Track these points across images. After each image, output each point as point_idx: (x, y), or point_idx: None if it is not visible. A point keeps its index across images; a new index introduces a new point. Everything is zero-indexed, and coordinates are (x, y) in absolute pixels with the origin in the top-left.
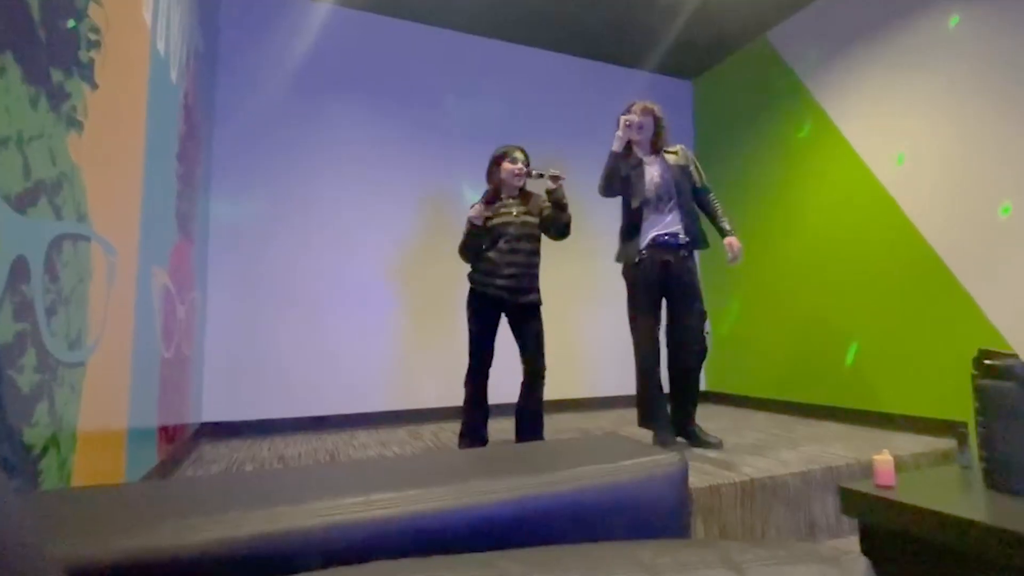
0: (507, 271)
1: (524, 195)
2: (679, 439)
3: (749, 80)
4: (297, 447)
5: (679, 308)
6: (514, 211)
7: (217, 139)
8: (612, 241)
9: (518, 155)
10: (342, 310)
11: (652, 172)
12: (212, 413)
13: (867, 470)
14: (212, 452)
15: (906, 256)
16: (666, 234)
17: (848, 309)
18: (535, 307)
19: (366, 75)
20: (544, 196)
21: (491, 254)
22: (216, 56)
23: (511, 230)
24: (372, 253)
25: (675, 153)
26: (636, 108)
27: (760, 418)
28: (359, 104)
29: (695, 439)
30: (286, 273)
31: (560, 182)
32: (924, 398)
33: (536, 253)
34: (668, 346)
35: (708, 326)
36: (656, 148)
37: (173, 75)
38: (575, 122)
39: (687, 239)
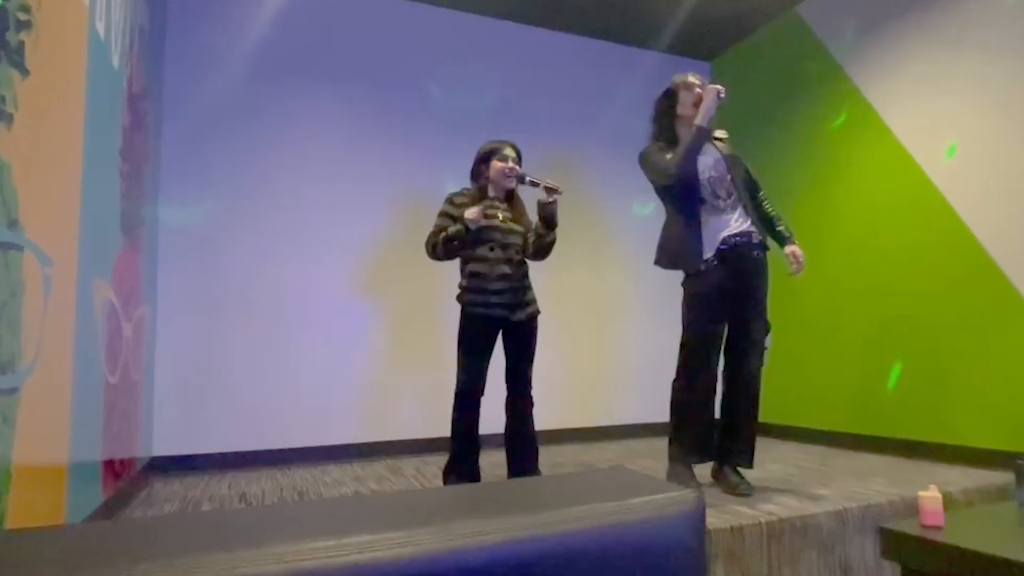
0: (498, 285)
1: (512, 200)
2: (718, 478)
3: (776, 60)
4: (261, 484)
5: (745, 320)
6: (500, 215)
7: (167, 132)
8: (625, 247)
9: (509, 152)
10: (311, 328)
11: (706, 161)
12: (164, 446)
13: (912, 508)
14: (164, 490)
15: (957, 263)
16: (737, 235)
17: (890, 324)
18: (534, 320)
19: (338, 59)
20: (535, 213)
21: (477, 266)
22: (164, 36)
23: (497, 236)
24: (344, 263)
25: (723, 140)
26: (697, 80)
27: (789, 449)
28: (330, 92)
29: (728, 485)
30: (247, 286)
31: (555, 196)
32: (977, 426)
33: (525, 262)
34: (726, 364)
35: (769, 340)
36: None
37: (115, 59)
38: (576, 110)
39: (761, 237)
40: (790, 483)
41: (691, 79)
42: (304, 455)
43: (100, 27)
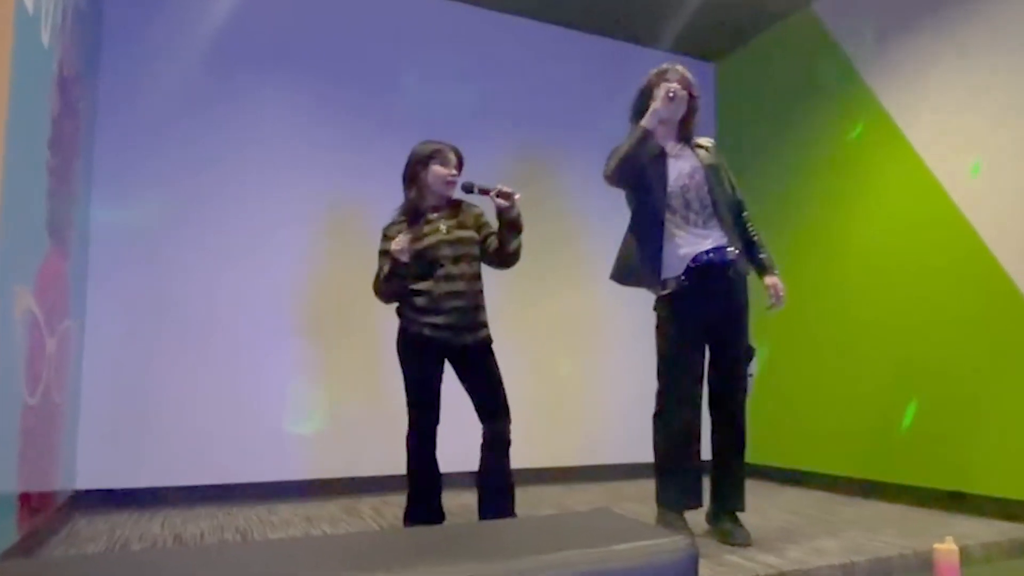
0: (448, 304)
1: (452, 205)
2: (713, 524)
3: (788, 64)
4: (198, 523)
5: (724, 345)
6: (443, 226)
7: (102, 123)
8: (611, 265)
9: (451, 156)
10: (261, 350)
11: (680, 167)
12: (90, 478)
13: (926, 563)
14: (89, 527)
15: (980, 293)
16: (711, 251)
17: (905, 358)
18: (486, 346)
19: (297, 50)
20: (476, 207)
21: (425, 284)
22: (102, 16)
23: (445, 251)
24: (302, 279)
25: (706, 148)
26: (673, 76)
27: (792, 495)
28: (291, 87)
29: (724, 533)
30: (189, 300)
31: (515, 199)
32: (999, 473)
33: (479, 278)
34: (709, 396)
35: (754, 367)
36: (684, 136)
37: (45, 37)
38: (565, 110)
39: (736, 253)
40: (792, 532)
41: (668, 72)
42: (249, 492)
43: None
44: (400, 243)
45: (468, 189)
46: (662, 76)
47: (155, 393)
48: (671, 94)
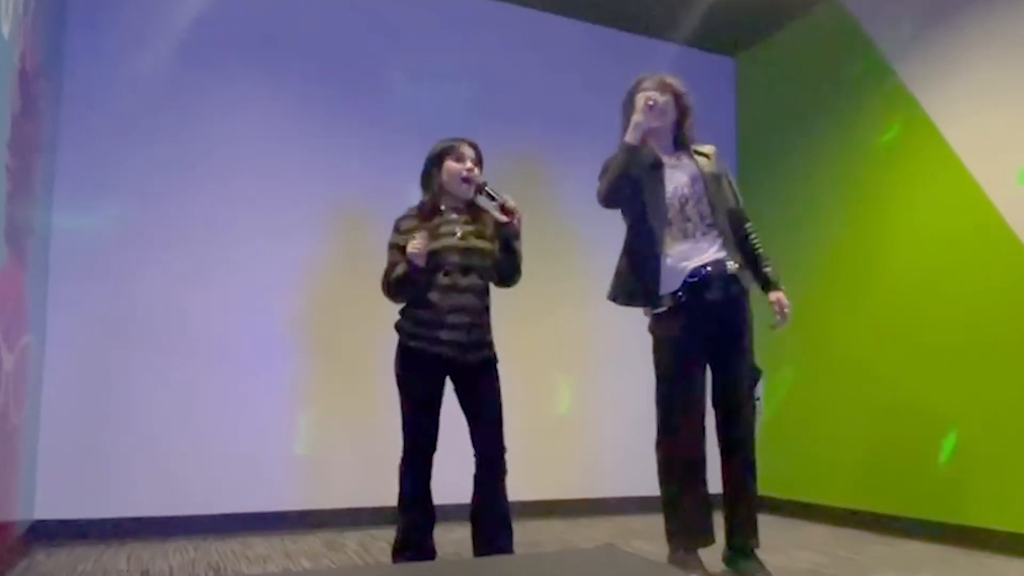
0: (453, 319)
1: (472, 209)
2: (730, 565)
3: (814, 59)
4: (168, 558)
5: (726, 366)
6: (458, 231)
7: (66, 122)
8: None
9: (467, 151)
10: (235, 369)
11: (678, 178)
12: (50, 507)
13: None
14: (48, 561)
15: None
16: (708, 264)
17: (946, 385)
18: (490, 365)
19: (276, 44)
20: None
21: (430, 294)
22: (67, 6)
23: (454, 258)
24: (279, 291)
25: (707, 156)
26: (650, 84)
27: (819, 533)
28: (265, 84)
29: (741, 573)
30: (158, 314)
31: (515, 218)
32: None
33: (487, 292)
34: (716, 422)
35: (761, 390)
36: (681, 143)
37: (5, 28)
38: (576, 111)
39: (736, 267)
40: (819, 574)
41: (644, 80)
42: (223, 524)
43: None
44: (417, 245)
45: (479, 189)
46: (639, 85)
47: (122, 415)
48: (650, 102)
